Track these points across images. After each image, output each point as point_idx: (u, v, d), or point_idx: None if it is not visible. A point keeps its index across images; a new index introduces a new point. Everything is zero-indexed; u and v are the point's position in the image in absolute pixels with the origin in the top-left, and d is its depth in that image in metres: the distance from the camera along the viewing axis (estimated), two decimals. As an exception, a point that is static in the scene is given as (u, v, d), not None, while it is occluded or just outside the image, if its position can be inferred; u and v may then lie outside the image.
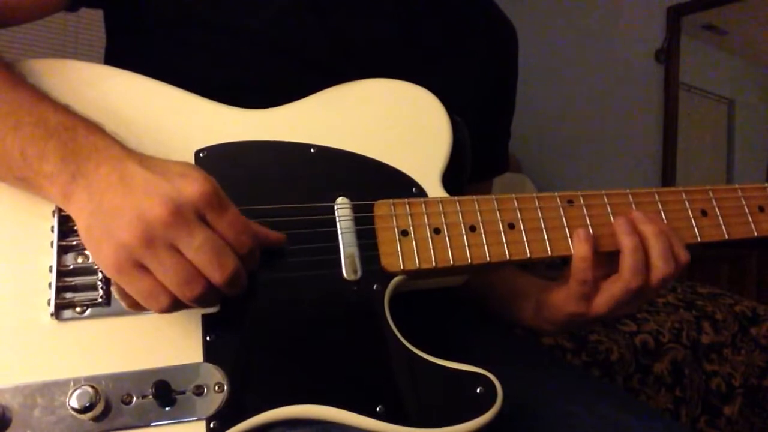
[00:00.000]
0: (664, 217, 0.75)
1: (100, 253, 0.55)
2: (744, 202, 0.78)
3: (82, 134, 0.59)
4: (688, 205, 0.76)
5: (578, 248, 0.71)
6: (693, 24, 3.23)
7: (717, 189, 0.78)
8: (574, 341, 1.48)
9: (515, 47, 1.00)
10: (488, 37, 0.94)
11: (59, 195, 0.58)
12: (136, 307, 0.59)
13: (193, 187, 0.55)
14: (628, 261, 0.70)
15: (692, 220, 0.76)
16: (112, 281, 0.60)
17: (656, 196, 0.76)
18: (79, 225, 0.57)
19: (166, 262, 0.54)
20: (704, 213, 0.77)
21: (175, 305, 0.56)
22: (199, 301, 0.56)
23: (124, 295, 0.59)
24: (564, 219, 0.73)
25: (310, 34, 0.79)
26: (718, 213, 0.77)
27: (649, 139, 3.29)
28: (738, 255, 2.79)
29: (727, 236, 0.76)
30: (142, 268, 0.54)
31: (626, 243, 0.71)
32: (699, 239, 0.75)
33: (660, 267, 0.70)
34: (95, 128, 0.60)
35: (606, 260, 0.72)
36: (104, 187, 0.55)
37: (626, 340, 1.53)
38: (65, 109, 0.61)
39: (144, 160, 0.58)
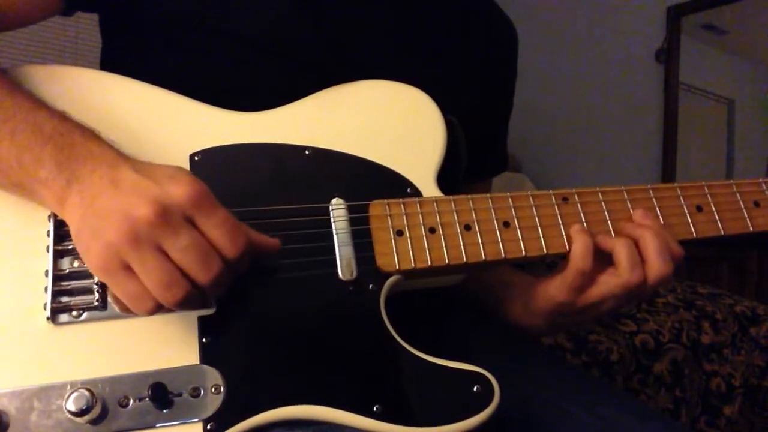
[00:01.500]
0: (659, 213, 0.75)
1: (88, 253, 0.55)
2: (739, 198, 0.78)
3: (78, 140, 0.59)
4: (683, 201, 0.76)
5: (579, 238, 0.71)
6: (693, 24, 3.23)
7: (712, 185, 0.78)
8: (574, 341, 1.48)
9: (515, 47, 1.00)
10: (488, 37, 0.94)
11: (54, 200, 0.58)
12: (128, 311, 0.59)
13: (181, 189, 0.55)
14: (623, 255, 0.70)
15: (688, 215, 0.76)
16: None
17: (651, 192, 0.76)
18: (71, 228, 0.57)
19: (149, 263, 0.53)
20: (699, 209, 0.76)
21: (160, 309, 0.56)
22: (182, 306, 0.56)
23: (117, 299, 0.59)
24: (559, 217, 0.73)
25: (307, 38, 0.79)
26: (714, 208, 0.77)
27: (649, 139, 3.29)
28: (738, 255, 2.78)
29: (722, 231, 0.76)
30: (129, 269, 0.54)
31: (618, 242, 0.71)
32: (695, 235, 0.75)
33: (657, 263, 0.70)
34: (91, 134, 0.60)
35: (600, 257, 0.72)
36: (96, 191, 0.56)
37: (626, 340, 1.53)
38: (61, 116, 0.62)
39: (137, 164, 0.58)
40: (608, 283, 0.71)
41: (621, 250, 0.70)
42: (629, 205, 0.75)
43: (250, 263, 0.60)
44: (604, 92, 3.44)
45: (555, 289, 0.74)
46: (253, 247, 0.59)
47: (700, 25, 3.24)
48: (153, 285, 0.54)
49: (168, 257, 0.54)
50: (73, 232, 0.57)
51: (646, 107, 3.31)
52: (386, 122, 0.74)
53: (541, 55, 3.17)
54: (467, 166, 0.85)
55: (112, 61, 0.82)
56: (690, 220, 0.76)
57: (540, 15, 3.41)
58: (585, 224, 0.73)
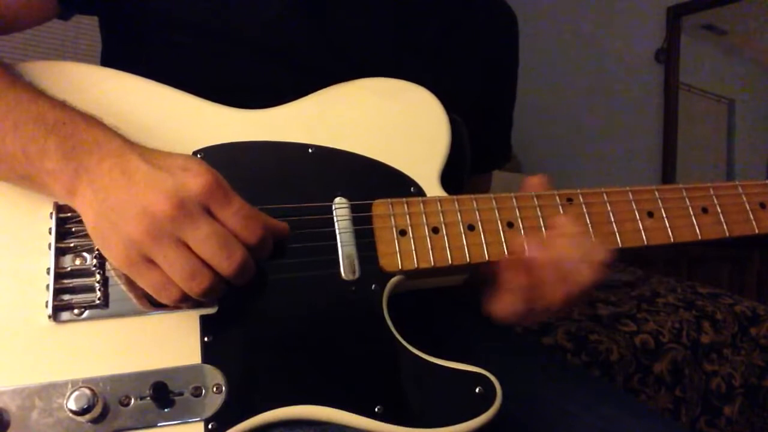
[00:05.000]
0: (664, 214, 0.74)
1: (109, 249, 0.56)
2: (745, 199, 0.77)
3: (82, 128, 0.59)
4: (688, 203, 0.76)
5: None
6: (693, 24, 3.23)
7: (718, 186, 0.77)
8: (574, 341, 1.48)
9: (516, 35, 1.00)
10: (488, 30, 0.93)
11: (64, 191, 0.58)
12: (143, 301, 0.61)
13: (196, 180, 0.55)
14: (548, 275, 0.67)
15: (693, 217, 0.75)
16: (110, 281, 0.61)
17: (656, 193, 0.75)
18: (87, 222, 0.58)
19: (171, 256, 0.54)
20: (705, 210, 0.76)
21: (186, 299, 0.57)
22: (207, 295, 0.56)
23: (136, 288, 0.60)
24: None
25: (307, 38, 0.79)
26: (719, 210, 0.76)
27: (649, 139, 3.29)
28: (739, 255, 2.79)
29: (728, 234, 0.75)
30: (151, 262, 0.55)
31: (543, 256, 0.67)
32: (699, 237, 0.75)
33: (579, 274, 0.67)
34: (94, 121, 0.60)
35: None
36: (108, 182, 0.56)
37: (626, 340, 1.53)
38: (63, 105, 0.61)
39: (146, 153, 0.58)
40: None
41: (545, 272, 0.67)
42: (634, 206, 0.74)
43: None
44: (604, 92, 3.44)
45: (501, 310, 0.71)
46: (270, 231, 0.60)
47: (700, 25, 3.24)
48: (177, 276, 0.55)
49: (190, 248, 0.55)
50: (89, 226, 0.57)
51: (646, 107, 3.31)
52: (390, 121, 0.74)
53: (542, 55, 3.17)
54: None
55: (113, 62, 0.82)
56: (695, 222, 0.75)
57: (540, 15, 3.41)
58: (589, 225, 0.72)
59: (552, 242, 0.69)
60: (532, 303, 0.68)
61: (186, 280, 0.55)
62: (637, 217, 0.74)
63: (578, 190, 0.74)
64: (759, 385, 1.72)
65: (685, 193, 0.76)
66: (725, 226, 0.76)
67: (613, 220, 0.73)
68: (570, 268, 0.67)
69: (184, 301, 0.57)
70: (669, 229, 0.74)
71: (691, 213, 0.75)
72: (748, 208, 0.77)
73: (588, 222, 0.73)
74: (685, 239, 0.74)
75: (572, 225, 0.70)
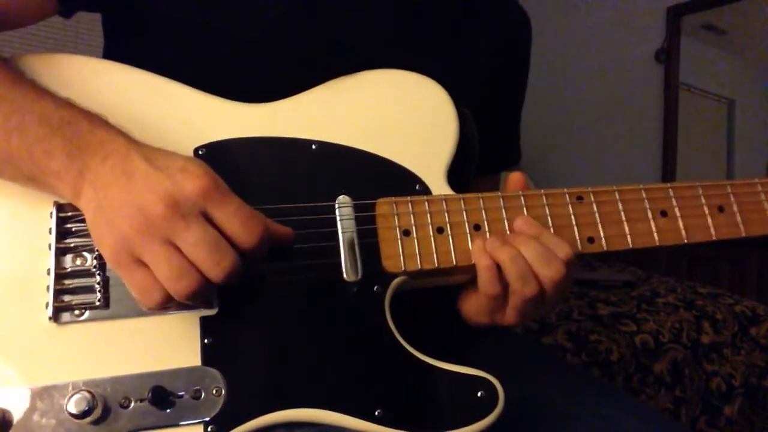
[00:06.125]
0: (678, 213, 0.72)
1: (102, 245, 0.56)
2: (763, 197, 0.74)
3: (86, 128, 0.59)
4: (704, 201, 0.73)
5: (480, 260, 0.66)
6: (693, 24, 3.24)
7: (735, 183, 0.74)
8: (574, 341, 1.48)
9: (528, 33, 0.98)
10: (498, 26, 0.93)
11: (69, 192, 0.59)
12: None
13: (193, 182, 0.55)
14: (510, 270, 0.66)
15: (708, 217, 0.72)
16: (111, 282, 0.61)
17: (671, 191, 0.72)
18: (87, 218, 0.58)
19: (160, 255, 0.54)
20: (721, 209, 0.73)
21: (169, 302, 0.56)
22: (192, 298, 0.56)
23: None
24: (573, 217, 0.70)
25: (308, 37, 0.78)
26: (736, 209, 0.73)
27: (649, 139, 3.29)
28: (739, 255, 2.79)
29: (744, 234, 0.73)
30: (140, 262, 0.55)
31: (501, 257, 0.66)
32: (714, 237, 0.72)
33: (543, 271, 0.66)
34: (99, 121, 0.60)
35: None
36: (109, 181, 0.56)
37: (626, 340, 1.53)
38: (67, 103, 0.61)
39: (148, 153, 0.58)
40: (511, 302, 0.68)
41: (509, 267, 0.66)
42: (647, 204, 0.71)
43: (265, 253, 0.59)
44: (604, 92, 3.44)
45: (473, 312, 0.72)
46: (269, 234, 0.59)
47: (700, 25, 3.25)
48: (164, 276, 0.54)
49: (180, 250, 0.54)
50: (88, 221, 0.58)
51: (646, 107, 3.32)
52: (396, 114, 0.72)
53: (542, 56, 3.16)
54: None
55: (115, 59, 0.81)
56: (710, 222, 0.72)
57: (539, 15, 3.40)
58: (599, 225, 0.70)
59: (511, 240, 0.67)
60: (501, 300, 0.68)
61: (171, 280, 0.54)
62: (650, 216, 0.71)
63: (589, 188, 0.71)
64: (759, 385, 1.72)
65: (701, 191, 0.73)
66: (742, 227, 0.73)
67: (624, 219, 0.71)
68: (527, 266, 0.66)
69: (166, 305, 0.56)
70: (683, 230, 0.72)
71: (707, 212, 0.72)
72: (766, 207, 0.74)
73: (598, 221, 0.70)
74: (698, 240, 0.71)
75: (529, 226, 0.69)
